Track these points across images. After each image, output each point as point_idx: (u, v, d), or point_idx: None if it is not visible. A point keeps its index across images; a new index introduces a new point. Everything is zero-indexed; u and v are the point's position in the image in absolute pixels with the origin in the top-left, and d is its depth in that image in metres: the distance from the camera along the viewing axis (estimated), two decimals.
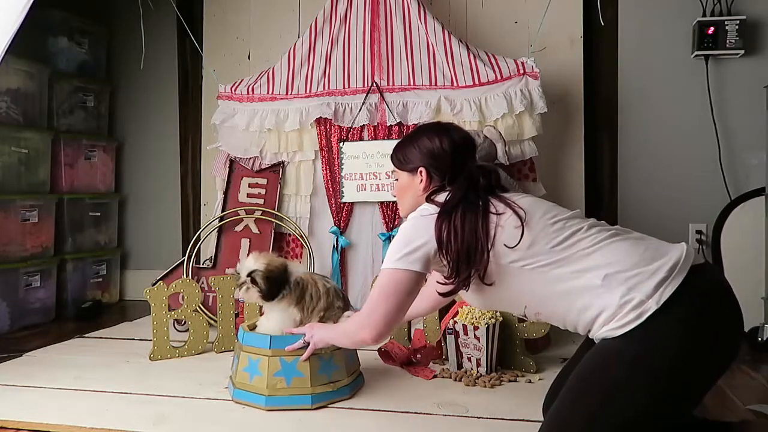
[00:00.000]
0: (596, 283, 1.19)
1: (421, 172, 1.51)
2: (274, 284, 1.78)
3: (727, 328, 1.17)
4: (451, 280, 1.35)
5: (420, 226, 1.38)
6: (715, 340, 1.15)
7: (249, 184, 2.85)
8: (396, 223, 2.70)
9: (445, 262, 1.35)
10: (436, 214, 1.37)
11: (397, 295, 1.37)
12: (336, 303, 1.86)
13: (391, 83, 2.70)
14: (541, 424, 1.28)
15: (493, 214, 1.34)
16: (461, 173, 1.45)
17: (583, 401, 1.18)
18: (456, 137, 1.51)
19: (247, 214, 2.81)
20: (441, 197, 1.42)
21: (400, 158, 1.57)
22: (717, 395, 1.83)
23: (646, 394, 1.12)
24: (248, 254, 1.90)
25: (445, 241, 1.33)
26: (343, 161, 2.72)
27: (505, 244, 1.29)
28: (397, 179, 1.59)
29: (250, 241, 2.80)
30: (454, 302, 2.07)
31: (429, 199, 1.46)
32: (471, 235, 1.31)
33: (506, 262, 1.29)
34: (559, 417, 1.21)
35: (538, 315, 1.34)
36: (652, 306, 1.12)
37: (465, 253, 1.31)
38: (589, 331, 1.25)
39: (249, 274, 1.79)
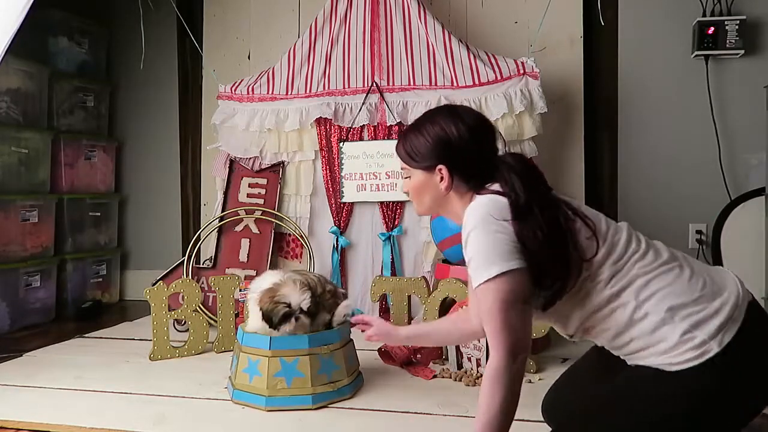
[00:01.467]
0: (659, 315, 1.12)
1: (440, 170, 1.26)
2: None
3: None
4: (541, 292, 1.17)
5: (496, 222, 1.15)
6: (763, 391, 1.14)
7: (249, 184, 2.85)
8: (396, 223, 2.70)
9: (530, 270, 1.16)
10: (512, 215, 1.16)
11: (517, 301, 1.13)
12: (327, 287, 1.88)
13: (391, 83, 2.70)
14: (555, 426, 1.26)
15: (568, 221, 1.18)
16: (501, 168, 1.22)
17: (623, 426, 1.16)
18: (471, 121, 1.28)
19: (247, 214, 2.81)
20: (496, 186, 1.21)
21: (409, 152, 1.31)
22: None
23: (682, 428, 1.11)
24: (275, 280, 1.80)
25: (531, 245, 1.14)
26: (343, 161, 2.72)
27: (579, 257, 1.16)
28: (408, 176, 1.34)
29: (250, 241, 2.80)
30: (453, 302, 2.07)
31: (480, 189, 1.23)
32: (558, 233, 1.16)
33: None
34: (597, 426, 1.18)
35: (586, 334, 1.24)
36: (713, 348, 1.08)
37: (557, 257, 1.15)
38: (631, 356, 1.19)
39: (302, 310, 1.75)
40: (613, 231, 1.21)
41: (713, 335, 1.09)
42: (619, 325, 1.16)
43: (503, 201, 1.17)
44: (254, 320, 1.81)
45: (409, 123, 2.65)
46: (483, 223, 1.15)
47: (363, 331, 1.66)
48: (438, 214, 1.38)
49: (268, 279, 1.83)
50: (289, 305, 1.73)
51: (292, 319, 1.73)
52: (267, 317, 1.74)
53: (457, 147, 1.25)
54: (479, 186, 1.24)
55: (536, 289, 1.16)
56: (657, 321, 1.12)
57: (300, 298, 1.74)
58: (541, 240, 1.13)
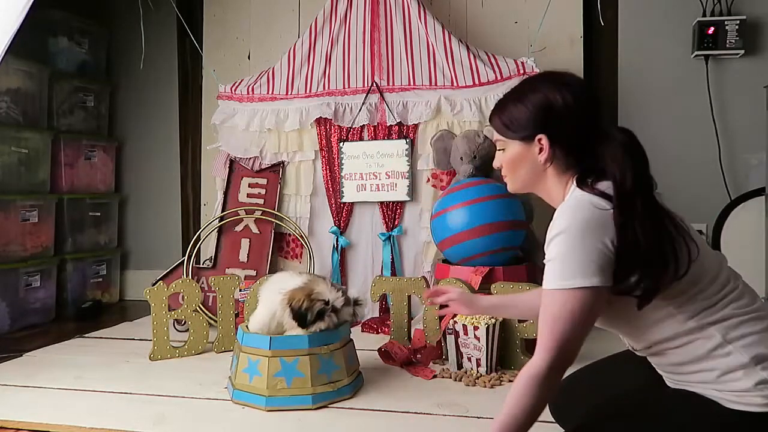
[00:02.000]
0: (741, 360, 1.07)
1: (540, 140, 1.15)
2: None
3: None
4: (629, 284, 1.07)
5: (594, 229, 1.06)
6: None
7: (249, 184, 2.86)
8: (396, 223, 2.69)
9: (624, 266, 1.07)
10: (612, 205, 1.06)
11: (586, 319, 1.06)
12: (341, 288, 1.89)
13: (391, 83, 2.70)
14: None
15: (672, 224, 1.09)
16: (609, 143, 1.12)
17: None
18: (577, 87, 1.16)
19: (247, 214, 2.81)
20: (603, 185, 1.09)
21: (506, 122, 1.19)
22: None
23: None
24: (302, 282, 1.82)
25: (631, 240, 1.05)
26: (343, 161, 2.72)
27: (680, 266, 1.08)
28: (502, 149, 1.23)
29: (250, 241, 2.80)
30: None
31: (582, 184, 1.12)
32: (661, 229, 1.07)
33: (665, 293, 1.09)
34: None
35: (651, 356, 1.19)
36: None
37: (658, 253, 1.06)
38: (688, 384, 1.14)
39: (334, 308, 1.77)
40: (715, 261, 1.13)
41: None
42: (694, 355, 1.10)
43: (606, 207, 1.07)
44: (261, 318, 1.81)
45: (409, 123, 2.68)
46: (577, 228, 1.06)
47: (435, 302, 1.59)
48: (532, 191, 1.25)
49: (288, 281, 1.83)
50: (327, 302, 1.75)
51: (326, 317, 1.75)
52: (301, 315, 1.74)
53: (560, 116, 1.14)
54: (580, 163, 1.15)
55: (623, 285, 1.07)
56: (737, 364, 1.07)
57: (334, 296, 1.77)
58: (641, 236, 1.04)
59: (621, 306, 1.10)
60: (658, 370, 1.21)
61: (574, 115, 1.13)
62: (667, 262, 1.06)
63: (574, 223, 1.06)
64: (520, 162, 1.20)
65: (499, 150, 1.24)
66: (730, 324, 1.08)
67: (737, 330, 1.08)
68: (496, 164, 1.26)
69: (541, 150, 1.16)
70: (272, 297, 1.82)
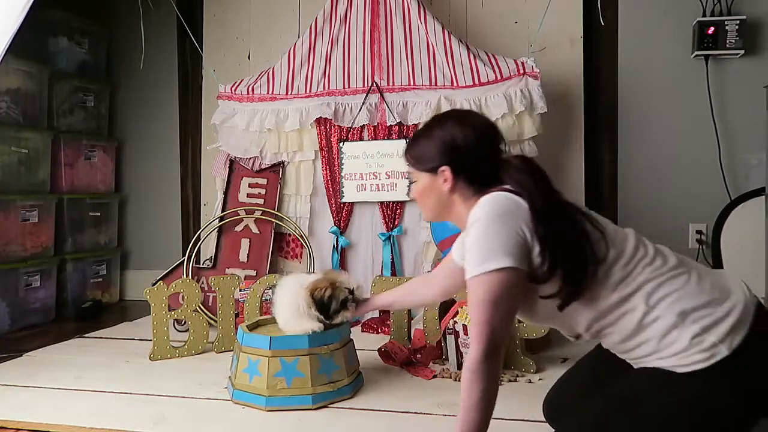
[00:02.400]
0: (670, 319, 1.13)
1: (443, 171, 1.29)
2: None
3: None
4: (558, 290, 1.17)
5: (506, 217, 1.16)
6: None
7: (249, 184, 2.86)
8: (396, 223, 2.70)
9: (546, 266, 1.15)
10: (531, 215, 1.16)
11: (507, 300, 1.15)
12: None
13: (391, 83, 2.70)
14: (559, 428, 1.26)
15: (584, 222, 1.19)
16: (506, 169, 1.24)
17: (628, 425, 1.17)
18: (478, 126, 1.30)
19: (247, 214, 2.81)
20: (505, 188, 1.22)
21: (416, 156, 1.35)
22: None
23: (690, 428, 1.12)
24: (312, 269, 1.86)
25: (551, 240, 1.15)
26: (343, 161, 2.72)
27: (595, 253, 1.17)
28: (414, 181, 1.38)
29: (250, 241, 2.80)
30: (453, 302, 2.07)
31: (479, 195, 1.25)
32: (577, 230, 1.17)
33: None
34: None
35: (594, 338, 1.25)
36: (723, 350, 1.10)
37: (576, 254, 1.15)
38: (637, 360, 1.20)
39: (355, 298, 1.78)
40: (622, 235, 1.22)
41: (723, 338, 1.10)
42: (629, 329, 1.17)
43: (519, 200, 1.18)
44: (292, 318, 1.79)
45: (409, 123, 2.68)
46: (492, 215, 1.16)
47: None
48: (444, 220, 1.38)
49: (307, 277, 1.83)
50: (351, 291, 1.76)
51: (349, 306, 1.75)
52: (325, 304, 1.74)
53: (462, 149, 1.27)
54: (483, 189, 1.25)
55: (545, 284, 1.17)
56: (668, 325, 1.13)
57: (356, 286, 1.78)
58: (562, 240, 1.15)
59: (546, 300, 1.19)
60: (618, 354, 1.25)
61: (475, 148, 1.27)
62: (586, 263, 1.15)
63: (488, 211, 1.17)
64: (428, 192, 1.34)
65: (413, 182, 1.39)
66: (649, 289, 1.15)
67: (657, 292, 1.15)
68: (411, 195, 1.41)
69: (445, 180, 1.29)
70: (294, 291, 1.79)
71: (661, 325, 1.14)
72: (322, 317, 1.76)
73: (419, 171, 1.34)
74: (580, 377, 1.44)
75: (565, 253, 1.15)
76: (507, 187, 1.22)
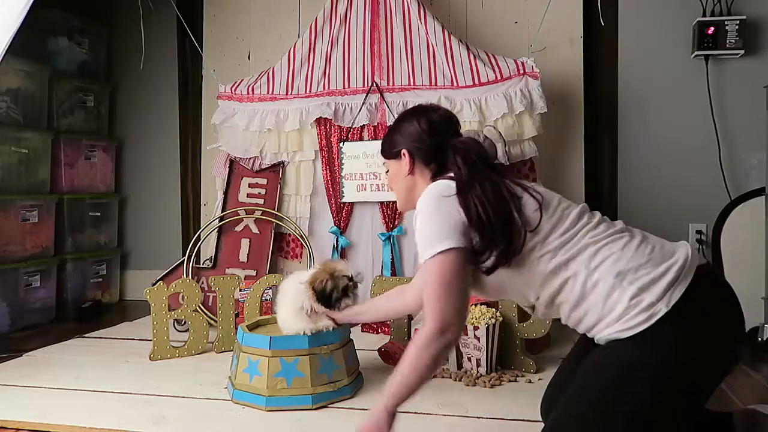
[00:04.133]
0: (609, 281, 1.17)
1: (404, 154, 1.46)
2: None
3: (732, 330, 1.19)
4: (487, 255, 1.24)
5: (443, 202, 1.27)
6: (720, 342, 1.16)
7: (249, 184, 2.86)
8: (396, 223, 2.70)
9: (478, 238, 1.25)
10: (456, 190, 1.28)
11: (455, 278, 1.23)
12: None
13: (391, 83, 2.70)
14: (549, 421, 1.26)
15: (513, 194, 1.29)
16: (449, 150, 1.39)
17: (592, 400, 1.18)
18: (434, 116, 1.47)
19: (247, 214, 2.81)
20: (448, 176, 1.35)
21: (385, 147, 1.54)
22: (717, 395, 1.83)
23: (651, 394, 1.12)
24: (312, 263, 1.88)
25: (475, 214, 1.24)
26: (343, 161, 2.72)
27: (524, 223, 1.25)
28: (388, 171, 1.56)
29: (250, 241, 2.80)
30: None
31: (434, 179, 1.39)
32: (500, 201, 1.25)
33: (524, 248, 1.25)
34: (570, 414, 1.21)
35: (548, 309, 1.30)
36: (662, 308, 1.12)
37: (501, 222, 1.23)
38: (590, 329, 1.24)
39: (356, 285, 1.80)
40: (564, 206, 1.31)
41: (660, 296, 1.14)
42: (574, 296, 1.22)
43: (451, 183, 1.30)
44: (291, 318, 1.80)
45: None
46: (430, 203, 1.28)
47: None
48: (412, 205, 1.45)
49: (304, 274, 1.83)
50: (350, 278, 1.77)
51: (350, 293, 1.76)
52: (327, 294, 1.75)
53: (417, 134, 1.45)
54: (439, 172, 1.41)
55: (482, 256, 1.25)
56: (607, 288, 1.17)
57: (355, 272, 1.79)
58: (482, 208, 1.24)
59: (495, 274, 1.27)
60: (578, 330, 1.29)
61: (429, 133, 1.44)
62: (511, 233, 1.24)
63: (427, 200, 1.29)
64: (396, 176, 1.51)
65: (386, 172, 1.56)
66: (588, 254, 1.21)
67: (597, 256, 1.21)
68: (388, 185, 1.59)
69: (406, 163, 1.46)
70: (294, 291, 1.80)
71: (602, 288, 1.18)
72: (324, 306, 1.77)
73: (388, 159, 1.53)
74: (568, 371, 1.46)
75: (488, 222, 1.23)
76: (449, 174, 1.35)
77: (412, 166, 1.46)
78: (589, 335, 1.26)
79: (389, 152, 1.52)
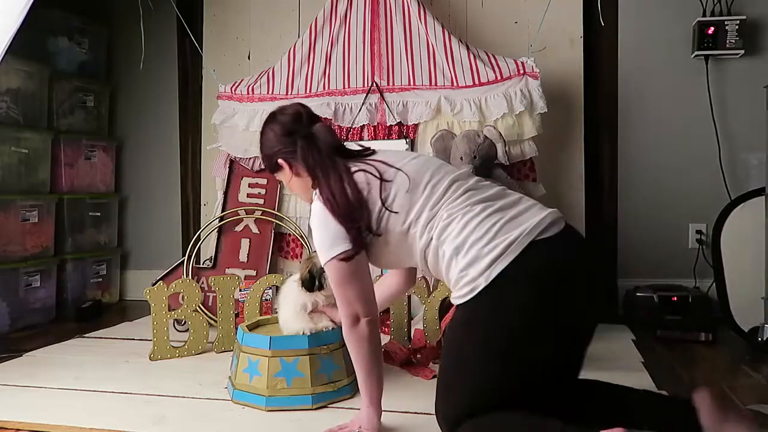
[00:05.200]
0: (449, 253, 1.31)
1: (281, 164, 1.55)
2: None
3: (549, 305, 1.24)
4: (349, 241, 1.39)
5: (327, 216, 1.41)
6: (537, 312, 1.24)
7: (249, 184, 2.86)
8: None
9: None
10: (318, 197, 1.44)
11: (352, 275, 1.40)
12: None
13: (391, 83, 2.70)
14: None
15: (348, 173, 1.42)
16: (299, 149, 1.50)
17: (446, 362, 1.34)
18: (284, 118, 1.55)
19: (247, 214, 2.81)
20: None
21: (266, 164, 1.62)
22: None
23: (481, 358, 1.25)
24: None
25: (330, 210, 1.39)
26: None
27: (375, 204, 1.39)
28: (280, 180, 1.66)
29: (250, 241, 2.80)
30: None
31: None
32: (341, 193, 1.39)
33: (385, 224, 1.39)
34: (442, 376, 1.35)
35: (437, 277, 1.45)
36: (481, 283, 1.25)
37: (345, 211, 1.38)
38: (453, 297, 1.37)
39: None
40: (435, 181, 1.40)
41: (482, 272, 1.25)
42: (437, 266, 1.37)
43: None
44: (291, 318, 1.80)
45: (409, 123, 2.68)
46: (316, 217, 1.42)
47: None
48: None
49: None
50: None
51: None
52: (309, 279, 1.76)
53: (277, 140, 1.54)
54: (317, 165, 1.47)
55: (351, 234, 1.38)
56: (448, 259, 1.32)
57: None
58: (333, 199, 1.39)
59: (373, 249, 1.43)
60: None
61: (285, 135, 1.52)
62: (359, 221, 1.37)
63: (315, 215, 1.44)
64: (290, 183, 1.60)
65: (280, 182, 1.71)
66: (442, 227, 1.34)
67: (446, 230, 1.33)
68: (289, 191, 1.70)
69: (288, 171, 1.55)
70: (294, 291, 1.81)
71: (445, 260, 1.32)
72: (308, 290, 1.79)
73: (274, 173, 1.61)
74: None
75: (342, 209, 1.38)
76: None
77: (292, 169, 1.55)
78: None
79: (272, 168, 1.60)
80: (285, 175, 1.58)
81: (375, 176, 1.41)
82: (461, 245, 1.29)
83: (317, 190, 1.46)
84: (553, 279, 1.25)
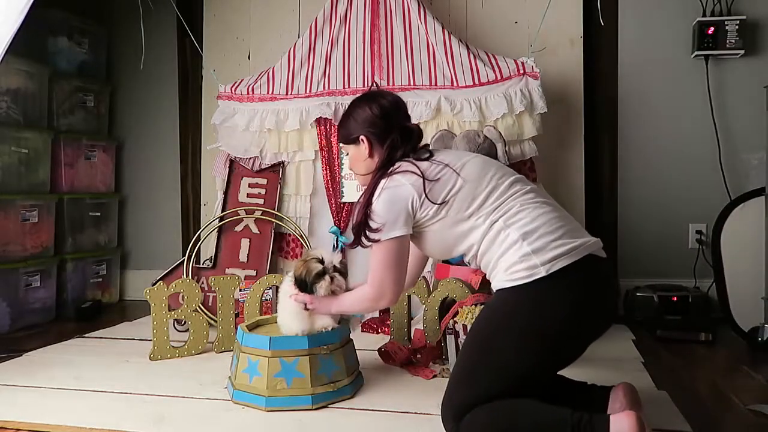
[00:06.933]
0: (512, 238, 1.39)
1: (362, 139, 1.62)
2: None
3: (592, 310, 1.38)
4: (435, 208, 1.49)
5: (395, 197, 1.50)
6: (580, 315, 1.35)
7: (249, 184, 2.86)
8: None
9: (429, 204, 1.49)
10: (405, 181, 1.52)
11: (398, 259, 1.53)
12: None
13: (391, 83, 2.70)
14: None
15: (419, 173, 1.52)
16: (397, 134, 1.60)
17: (472, 347, 1.41)
18: (384, 102, 1.64)
19: (247, 214, 2.81)
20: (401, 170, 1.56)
21: (343, 134, 1.69)
22: (717, 395, 1.83)
23: (516, 345, 1.33)
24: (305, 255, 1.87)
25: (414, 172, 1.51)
26: (343, 161, 2.72)
27: (445, 186, 1.49)
28: (347, 154, 1.72)
29: (250, 241, 2.80)
30: (453, 302, 2.07)
31: (387, 159, 1.60)
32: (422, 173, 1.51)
33: (447, 210, 1.48)
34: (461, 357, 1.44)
35: (475, 260, 1.51)
36: (541, 272, 1.33)
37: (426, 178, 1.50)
38: (492, 280, 1.46)
39: (336, 267, 1.78)
40: (498, 176, 1.51)
41: (545, 262, 1.34)
42: (491, 250, 1.44)
43: (402, 179, 1.51)
44: (288, 318, 1.80)
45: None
46: (386, 196, 1.51)
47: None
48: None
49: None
50: (321, 260, 1.75)
51: (327, 277, 1.74)
52: (301, 280, 1.75)
53: (370, 119, 1.62)
54: (391, 152, 1.59)
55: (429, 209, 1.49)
56: (511, 242, 1.39)
57: (331, 257, 1.78)
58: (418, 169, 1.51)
59: (428, 236, 1.54)
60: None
61: (380, 119, 1.62)
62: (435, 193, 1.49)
63: (384, 192, 1.53)
64: (357, 160, 1.68)
65: (346, 155, 1.78)
66: (509, 214, 1.43)
67: (515, 217, 1.42)
68: (349, 166, 1.78)
69: (365, 147, 1.63)
70: (292, 291, 1.80)
71: (508, 242, 1.39)
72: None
73: (348, 145, 1.68)
74: None
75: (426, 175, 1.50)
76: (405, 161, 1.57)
77: (371, 149, 1.63)
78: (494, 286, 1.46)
79: (347, 138, 1.67)
80: (358, 150, 1.65)
81: (447, 166, 1.51)
82: (531, 232, 1.38)
83: (387, 173, 1.55)
84: (599, 290, 1.39)
